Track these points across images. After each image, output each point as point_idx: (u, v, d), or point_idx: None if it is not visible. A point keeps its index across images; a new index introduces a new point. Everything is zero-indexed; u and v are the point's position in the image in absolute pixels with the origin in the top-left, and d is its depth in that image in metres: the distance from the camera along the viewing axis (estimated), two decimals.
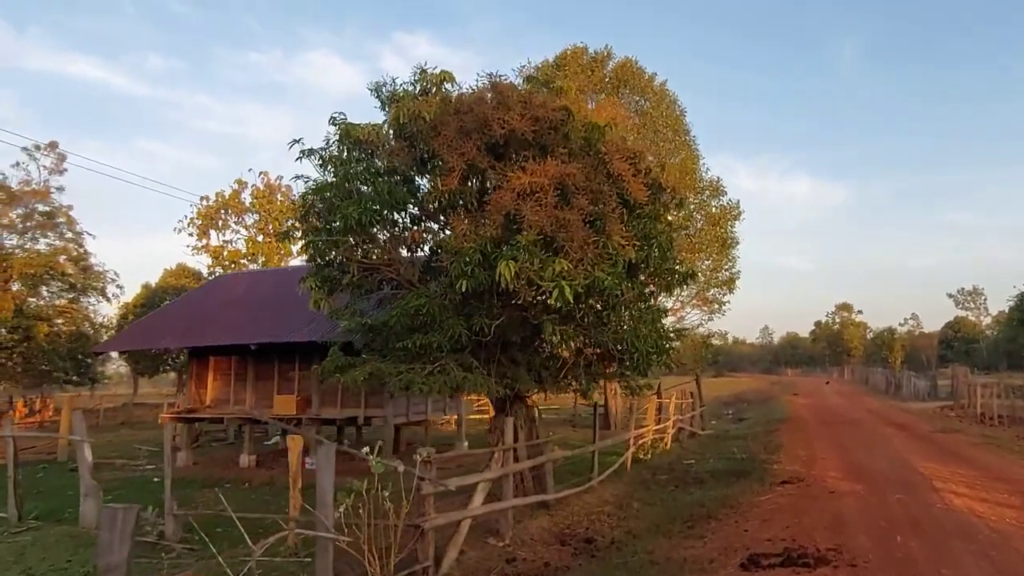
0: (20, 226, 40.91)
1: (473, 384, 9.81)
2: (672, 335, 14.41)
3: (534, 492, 11.76)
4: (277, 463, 18.87)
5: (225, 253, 45.53)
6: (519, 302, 8.99)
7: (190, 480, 16.78)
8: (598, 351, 10.94)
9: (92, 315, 43.79)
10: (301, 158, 11.00)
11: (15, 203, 40.15)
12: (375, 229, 10.64)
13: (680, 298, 27.40)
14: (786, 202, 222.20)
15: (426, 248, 11.95)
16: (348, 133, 11.07)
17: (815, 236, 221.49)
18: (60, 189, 41.90)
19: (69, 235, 42.68)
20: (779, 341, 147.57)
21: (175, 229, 44.83)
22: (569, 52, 25.38)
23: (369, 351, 11.18)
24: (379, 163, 10.50)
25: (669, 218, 11.96)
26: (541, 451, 11.96)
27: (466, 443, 20.26)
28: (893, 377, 48.29)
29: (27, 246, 39.80)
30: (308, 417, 17.14)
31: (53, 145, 42.02)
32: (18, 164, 40.38)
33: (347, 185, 10.50)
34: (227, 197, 45.59)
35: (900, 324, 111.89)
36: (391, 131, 10.55)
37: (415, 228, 11.61)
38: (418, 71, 11.37)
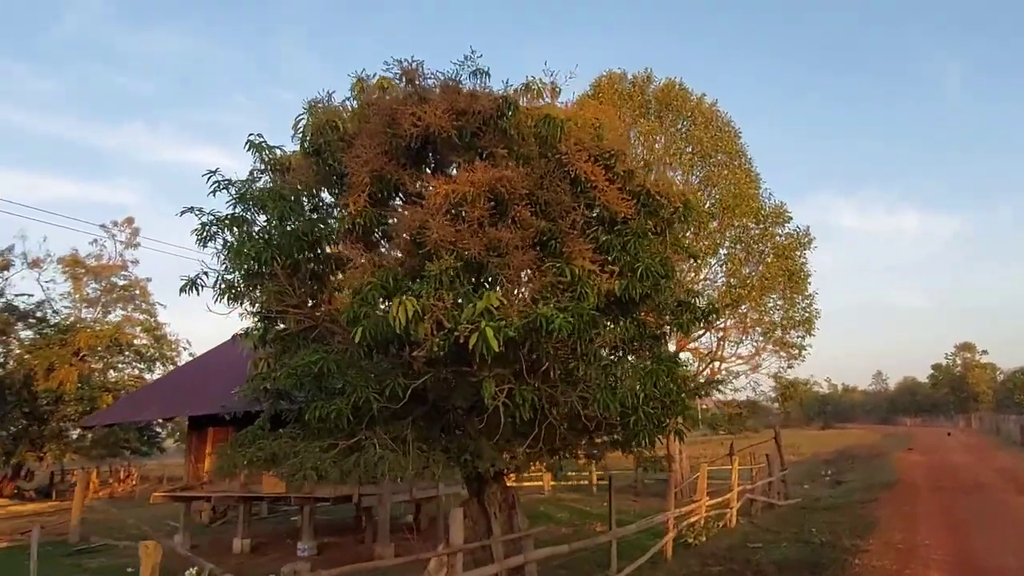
0: (103, 300, 42.33)
1: (396, 466, 7.34)
2: (701, 390, 11.48)
3: None
4: (278, 548, 16.82)
5: None
6: (418, 353, 6.57)
7: (164, 571, 14.92)
8: (584, 414, 8.20)
9: None
10: (215, 191, 9.12)
11: (91, 277, 41.58)
12: (293, 270, 8.53)
13: (754, 342, 23.89)
14: (895, 237, 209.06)
15: None
16: (269, 159, 9.17)
17: (930, 271, 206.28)
18: (135, 262, 43.20)
19: (144, 307, 43.84)
20: (895, 387, 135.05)
21: None
22: (604, 79, 23.17)
23: (295, 423, 8.96)
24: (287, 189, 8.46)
25: (682, 236, 9.21)
26: (520, 547, 9.24)
27: None
28: None
29: (99, 319, 40.95)
30: (298, 496, 15.01)
31: (129, 221, 43.49)
32: (96, 241, 41.89)
33: (251, 217, 8.53)
34: None
35: None
36: (302, 148, 8.53)
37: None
38: (355, 81, 9.38)
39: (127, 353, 40.63)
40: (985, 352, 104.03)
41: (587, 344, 7.52)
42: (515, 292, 6.86)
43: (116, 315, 42.22)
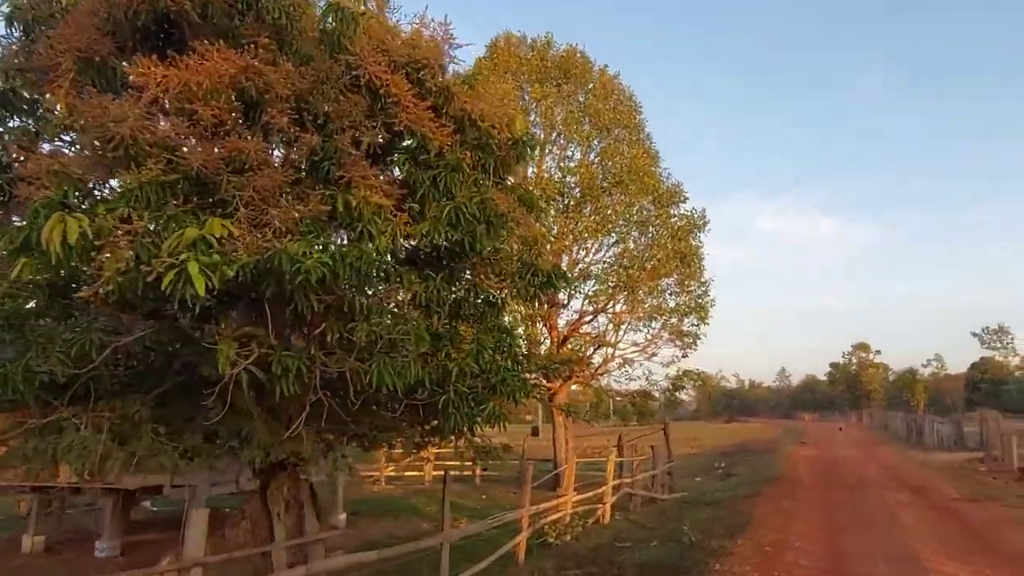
0: None
1: (93, 454, 5.40)
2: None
3: None
4: (78, 547, 14.35)
5: None
6: (84, 294, 4.71)
7: None
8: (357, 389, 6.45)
9: None
10: None
11: None
12: None
13: (648, 328, 22.79)
14: (808, 242, 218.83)
15: None
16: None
17: (838, 276, 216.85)
18: None
19: None
20: (797, 384, 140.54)
21: None
22: (501, 39, 21.49)
23: None
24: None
25: (511, 177, 7.58)
26: (308, 555, 7.48)
27: (343, 515, 15.60)
28: (914, 423, 42.77)
29: None
30: (101, 486, 12.71)
31: None
32: None
33: None
34: None
35: (923, 365, 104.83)
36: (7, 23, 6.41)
37: None
38: None
39: None
40: (879, 352, 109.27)
41: (369, 298, 5.83)
42: (263, 223, 5.04)
43: None
